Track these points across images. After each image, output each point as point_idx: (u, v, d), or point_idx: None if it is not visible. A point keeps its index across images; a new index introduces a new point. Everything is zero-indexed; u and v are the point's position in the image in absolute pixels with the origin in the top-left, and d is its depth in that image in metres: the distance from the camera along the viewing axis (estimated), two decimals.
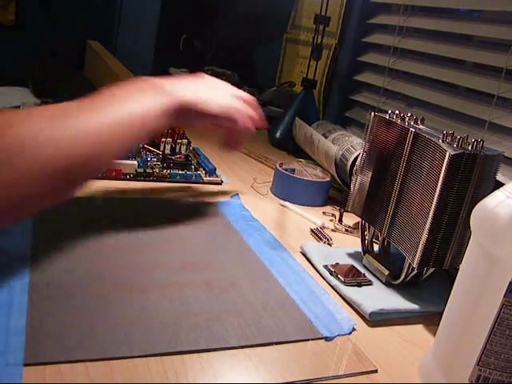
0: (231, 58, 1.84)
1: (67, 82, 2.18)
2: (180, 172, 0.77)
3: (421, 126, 0.53)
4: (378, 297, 0.52)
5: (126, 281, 0.47)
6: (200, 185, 0.77)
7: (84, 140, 0.43)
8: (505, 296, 0.35)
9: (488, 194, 0.37)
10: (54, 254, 0.49)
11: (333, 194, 0.81)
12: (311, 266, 0.58)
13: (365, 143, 0.59)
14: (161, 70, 2.01)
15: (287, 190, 0.77)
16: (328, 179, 0.78)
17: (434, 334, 0.42)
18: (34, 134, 0.40)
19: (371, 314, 0.48)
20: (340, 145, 0.79)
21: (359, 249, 0.61)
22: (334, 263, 0.56)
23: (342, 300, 0.51)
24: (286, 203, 0.75)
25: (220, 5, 1.94)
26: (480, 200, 0.37)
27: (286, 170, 0.79)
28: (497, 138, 0.87)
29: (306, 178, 0.78)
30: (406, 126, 0.53)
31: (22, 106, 2.05)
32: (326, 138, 0.85)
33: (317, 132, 0.89)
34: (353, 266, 0.56)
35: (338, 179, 0.78)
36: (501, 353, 0.36)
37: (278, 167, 0.79)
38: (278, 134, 1.08)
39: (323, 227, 0.68)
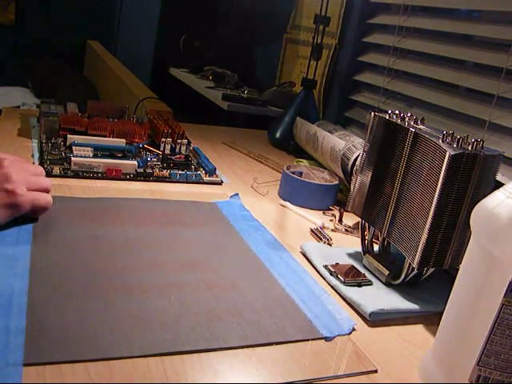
0: (231, 58, 1.84)
1: (67, 81, 2.18)
2: (180, 172, 0.77)
3: (421, 126, 0.53)
4: (378, 297, 0.52)
5: (126, 281, 0.47)
6: (200, 185, 0.77)
7: None
8: (505, 296, 0.35)
9: (488, 194, 0.37)
10: (54, 254, 0.49)
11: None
12: (311, 266, 0.57)
13: (365, 143, 0.59)
14: (161, 69, 2.02)
15: (295, 193, 0.76)
16: (336, 182, 0.78)
17: (434, 334, 0.42)
18: None
19: (371, 314, 0.48)
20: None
21: (359, 249, 0.61)
22: (333, 263, 0.56)
23: (342, 300, 0.51)
24: (286, 203, 0.75)
25: (220, 5, 1.94)
26: (480, 200, 0.38)
27: (294, 173, 0.79)
28: (497, 138, 0.87)
29: (314, 182, 0.77)
30: (405, 126, 0.53)
31: (22, 106, 2.05)
32: None
33: (321, 129, 0.89)
34: (353, 266, 0.56)
35: (342, 175, 0.78)
36: (501, 353, 0.36)
37: (286, 170, 0.78)
38: (277, 134, 1.08)
39: (323, 227, 0.68)
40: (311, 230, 0.67)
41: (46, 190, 0.55)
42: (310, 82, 1.10)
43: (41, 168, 0.58)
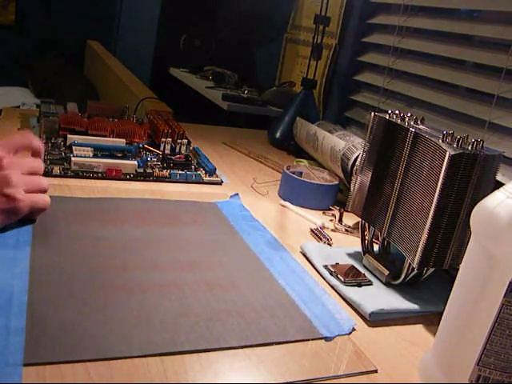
0: (231, 57, 1.84)
1: (67, 81, 2.18)
2: (180, 172, 0.77)
3: (421, 126, 0.53)
4: (378, 297, 0.52)
5: (126, 281, 0.47)
6: (200, 185, 0.77)
7: None
8: (505, 296, 0.35)
9: (488, 194, 0.37)
10: (54, 254, 0.49)
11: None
12: (311, 266, 0.57)
13: (365, 143, 0.59)
14: (161, 69, 2.02)
15: (295, 193, 0.75)
16: (336, 182, 0.78)
17: (434, 334, 0.42)
18: None
19: (371, 314, 0.48)
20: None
21: (359, 249, 0.61)
22: (333, 263, 0.56)
23: (342, 300, 0.51)
24: (286, 203, 0.75)
25: (220, 5, 1.94)
26: (480, 200, 0.38)
27: (294, 173, 0.79)
28: (497, 138, 0.87)
29: (314, 182, 0.77)
30: (405, 126, 0.53)
31: (22, 106, 2.06)
32: None
33: (321, 129, 0.89)
34: (353, 266, 0.56)
35: (342, 175, 0.78)
36: (501, 353, 0.36)
37: (286, 170, 0.78)
38: (278, 134, 1.08)
39: (323, 227, 0.68)
40: (311, 230, 0.67)
41: (44, 191, 0.55)
42: (310, 82, 1.10)
43: (39, 161, 0.56)
